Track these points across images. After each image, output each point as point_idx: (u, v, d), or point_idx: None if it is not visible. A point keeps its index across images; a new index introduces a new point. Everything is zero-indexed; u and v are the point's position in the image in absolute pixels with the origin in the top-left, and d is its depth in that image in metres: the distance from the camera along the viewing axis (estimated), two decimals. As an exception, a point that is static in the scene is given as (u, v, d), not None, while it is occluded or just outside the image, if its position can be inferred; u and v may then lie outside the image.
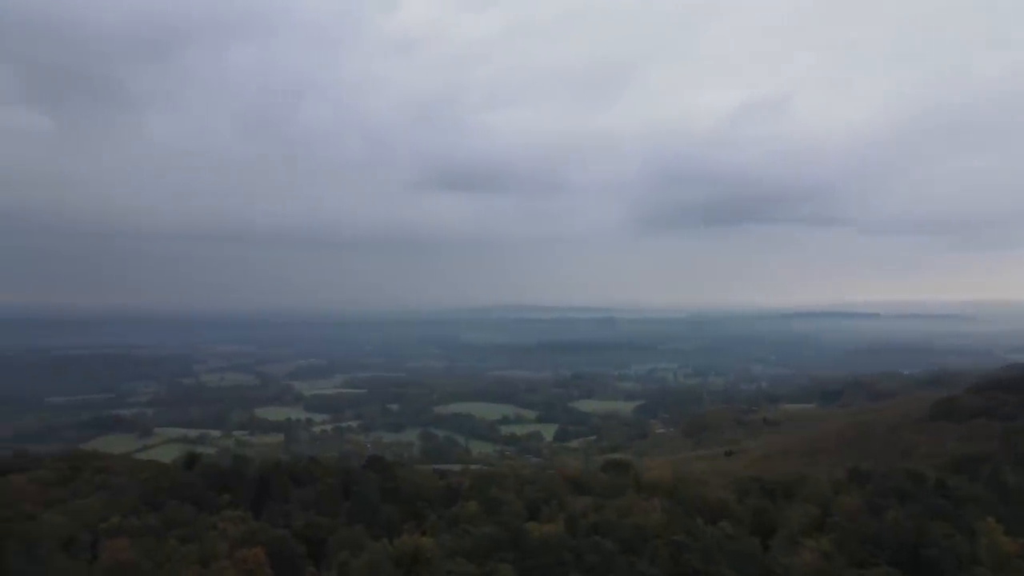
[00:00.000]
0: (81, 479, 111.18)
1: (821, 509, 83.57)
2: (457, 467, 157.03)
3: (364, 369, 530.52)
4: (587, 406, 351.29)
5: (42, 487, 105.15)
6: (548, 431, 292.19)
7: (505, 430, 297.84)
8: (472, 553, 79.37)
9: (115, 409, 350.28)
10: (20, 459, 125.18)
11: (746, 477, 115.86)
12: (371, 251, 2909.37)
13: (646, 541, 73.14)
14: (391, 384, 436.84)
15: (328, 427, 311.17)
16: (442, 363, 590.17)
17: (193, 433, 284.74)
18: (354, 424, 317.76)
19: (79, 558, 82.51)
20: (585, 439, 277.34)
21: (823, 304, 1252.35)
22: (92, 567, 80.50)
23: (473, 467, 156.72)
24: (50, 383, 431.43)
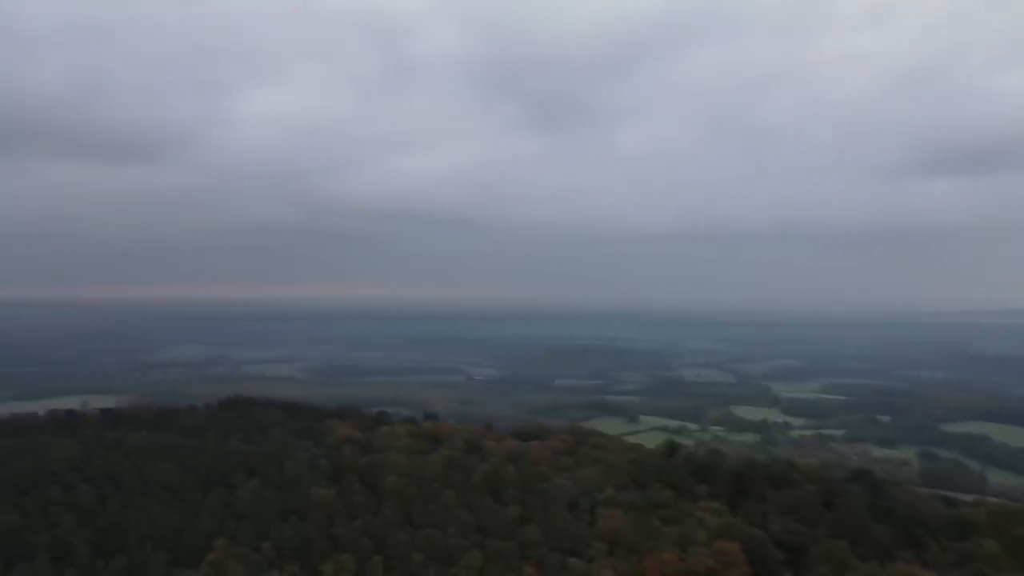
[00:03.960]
0: (581, 452, 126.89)
1: None
2: (968, 497, 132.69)
3: (848, 374, 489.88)
4: None
5: (553, 454, 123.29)
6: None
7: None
8: (992, 602, 65.54)
9: (607, 395, 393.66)
10: (537, 429, 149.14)
11: None
12: (853, 246, 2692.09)
13: None
14: (881, 393, 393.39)
15: (807, 432, 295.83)
16: (947, 374, 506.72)
17: (673, 424, 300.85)
18: (837, 433, 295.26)
19: (580, 520, 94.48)
20: None
21: None
22: (591, 529, 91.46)
23: (990, 500, 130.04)
24: (559, 368, 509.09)
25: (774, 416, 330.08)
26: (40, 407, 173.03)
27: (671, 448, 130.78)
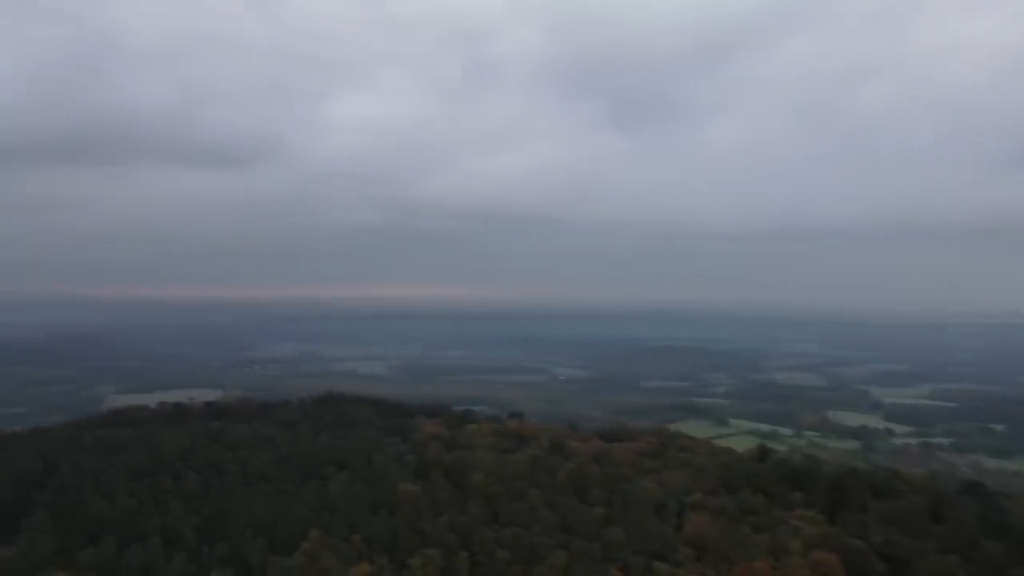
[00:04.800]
0: (668, 455, 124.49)
1: None
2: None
3: (958, 380, 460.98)
4: None
5: (638, 456, 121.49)
6: None
7: None
8: None
9: (695, 396, 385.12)
10: (622, 430, 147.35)
11: None
12: (960, 241, 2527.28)
13: None
14: (994, 400, 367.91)
15: (912, 441, 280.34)
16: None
17: (764, 428, 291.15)
18: (944, 441, 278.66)
19: (666, 523, 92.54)
20: None
21: None
22: (677, 534, 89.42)
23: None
24: (645, 369, 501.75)
25: (875, 422, 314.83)
26: (151, 400, 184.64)
27: (763, 453, 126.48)
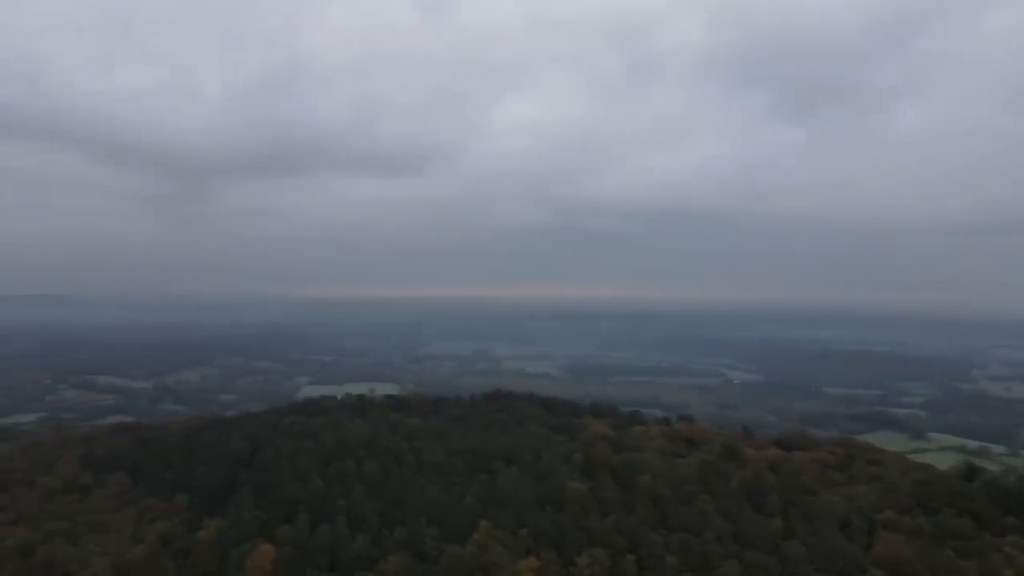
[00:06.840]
0: (855, 468, 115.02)
1: None
2: None
3: None
4: None
5: (820, 467, 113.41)
6: None
7: None
8: None
9: (887, 406, 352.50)
10: (801, 438, 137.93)
11: None
12: None
13: None
14: None
15: None
16: None
17: (971, 444, 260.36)
18: None
19: (853, 541, 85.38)
20: None
21: None
22: (867, 554, 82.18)
23: None
24: (827, 374, 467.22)
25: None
26: (338, 391, 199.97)
27: (969, 471, 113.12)
